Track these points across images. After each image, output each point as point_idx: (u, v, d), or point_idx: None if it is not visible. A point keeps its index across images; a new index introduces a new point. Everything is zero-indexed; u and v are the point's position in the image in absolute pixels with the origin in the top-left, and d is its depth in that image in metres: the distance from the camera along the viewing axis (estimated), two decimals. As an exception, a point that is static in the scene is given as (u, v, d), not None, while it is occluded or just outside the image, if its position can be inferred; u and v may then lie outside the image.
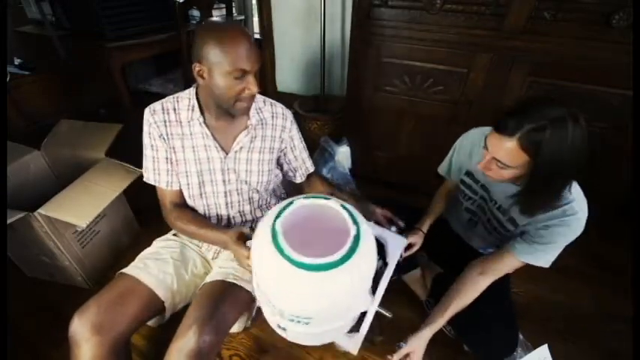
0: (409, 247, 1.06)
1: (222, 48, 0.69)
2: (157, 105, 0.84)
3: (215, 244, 0.91)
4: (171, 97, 0.85)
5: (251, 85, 0.74)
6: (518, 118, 0.69)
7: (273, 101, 0.95)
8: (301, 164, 1.03)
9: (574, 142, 0.66)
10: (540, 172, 0.71)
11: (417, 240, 1.06)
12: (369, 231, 0.58)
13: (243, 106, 0.79)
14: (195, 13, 2.08)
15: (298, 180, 1.05)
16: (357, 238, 0.53)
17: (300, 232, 0.61)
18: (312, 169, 1.06)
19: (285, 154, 0.99)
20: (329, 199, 0.62)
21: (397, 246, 0.75)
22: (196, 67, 0.73)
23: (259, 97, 0.91)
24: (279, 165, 1.02)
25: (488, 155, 0.76)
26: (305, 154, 1.03)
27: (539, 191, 0.75)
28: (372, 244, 0.57)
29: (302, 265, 0.51)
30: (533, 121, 0.67)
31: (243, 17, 2.50)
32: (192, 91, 0.84)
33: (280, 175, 1.05)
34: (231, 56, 0.69)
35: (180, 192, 0.92)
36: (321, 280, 0.51)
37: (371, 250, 0.57)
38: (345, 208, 0.60)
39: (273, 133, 0.93)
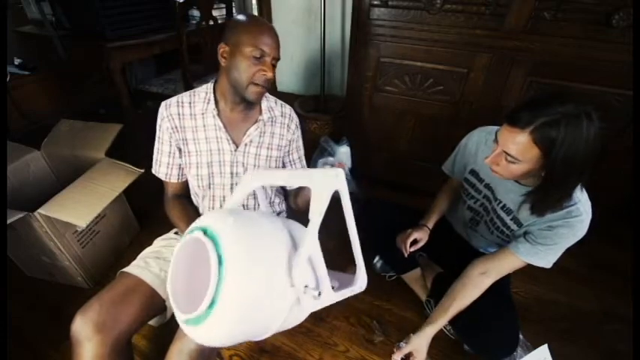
0: (415, 242, 1.06)
1: (246, 29, 0.77)
2: (172, 99, 0.87)
3: None
4: (188, 91, 0.88)
5: (267, 68, 0.78)
6: (531, 112, 0.68)
7: (284, 103, 0.98)
8: None
9: (588, 140, 0.66)
10: (555, 169, 0.70)
11: (423, 236, 1.06)
12: (241, 248, 0.47)
13: (256, 90, 0.80)
14: (196, 13, 2.08)
15: (288, 187, 1.05)
16: (220, 273, 0.44)
17: (196, 276, 0.53)
18: None
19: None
20: (195, 230, 0.54)
21: (324, 182, 0.51)
22: (221, 48, 0.79)
23: (271, 98, 0.95)
24: None
25: (498, 149, 0.75)
26: (303, 163, 1.05)
27: (552, 190, 0.75)
28: (248, 260, 0.47)
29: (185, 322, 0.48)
30: (547, 115, 0.66)
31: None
32: (210, 85, 0.87)
33: None
34: (253, 37, 0.76)
35: (182, 184, 0.95)
36: (210, 326, 0.45)
37: (250, 266, 0.47)
38: (207, 232, 0.50)
39: (281, 131, 0.95)
